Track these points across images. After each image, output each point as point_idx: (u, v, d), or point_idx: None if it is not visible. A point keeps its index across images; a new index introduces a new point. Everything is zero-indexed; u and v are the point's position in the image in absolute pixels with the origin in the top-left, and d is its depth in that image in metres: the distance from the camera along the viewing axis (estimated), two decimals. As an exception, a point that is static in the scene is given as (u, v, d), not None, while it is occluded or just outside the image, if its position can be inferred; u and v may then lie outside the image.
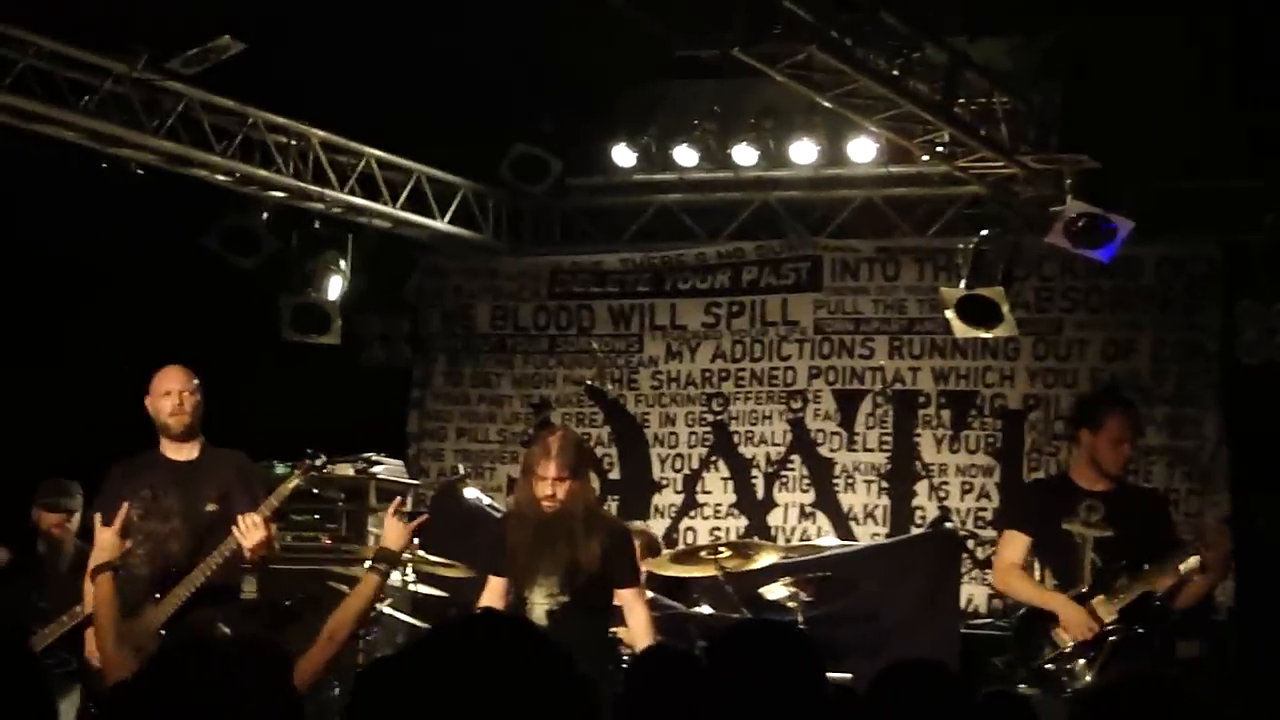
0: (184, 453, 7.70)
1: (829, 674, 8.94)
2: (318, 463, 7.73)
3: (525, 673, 2.45)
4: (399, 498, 6.87)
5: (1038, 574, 8.00)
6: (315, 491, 10.07)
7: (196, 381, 7.75)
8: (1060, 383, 11.06)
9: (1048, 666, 7.76)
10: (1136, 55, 9.91)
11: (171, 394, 7.65)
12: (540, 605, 7.59)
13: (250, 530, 7.29)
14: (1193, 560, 7.68)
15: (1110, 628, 7.68)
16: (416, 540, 7.18)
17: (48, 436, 10.15)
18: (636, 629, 7.71)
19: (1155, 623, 7.73)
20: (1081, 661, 7.72)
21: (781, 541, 11.14)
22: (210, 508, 7.59)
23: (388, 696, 2.48)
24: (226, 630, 6.77)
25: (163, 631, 7.12)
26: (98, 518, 7.44)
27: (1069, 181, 9.75)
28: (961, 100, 9.55)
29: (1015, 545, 8.07)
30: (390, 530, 6.59)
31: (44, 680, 3.73)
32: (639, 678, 4.59)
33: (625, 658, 8.14)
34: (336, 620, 6.11)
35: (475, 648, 2.47)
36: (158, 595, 7.27)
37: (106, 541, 6.65)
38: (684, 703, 4.38)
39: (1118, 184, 9.78)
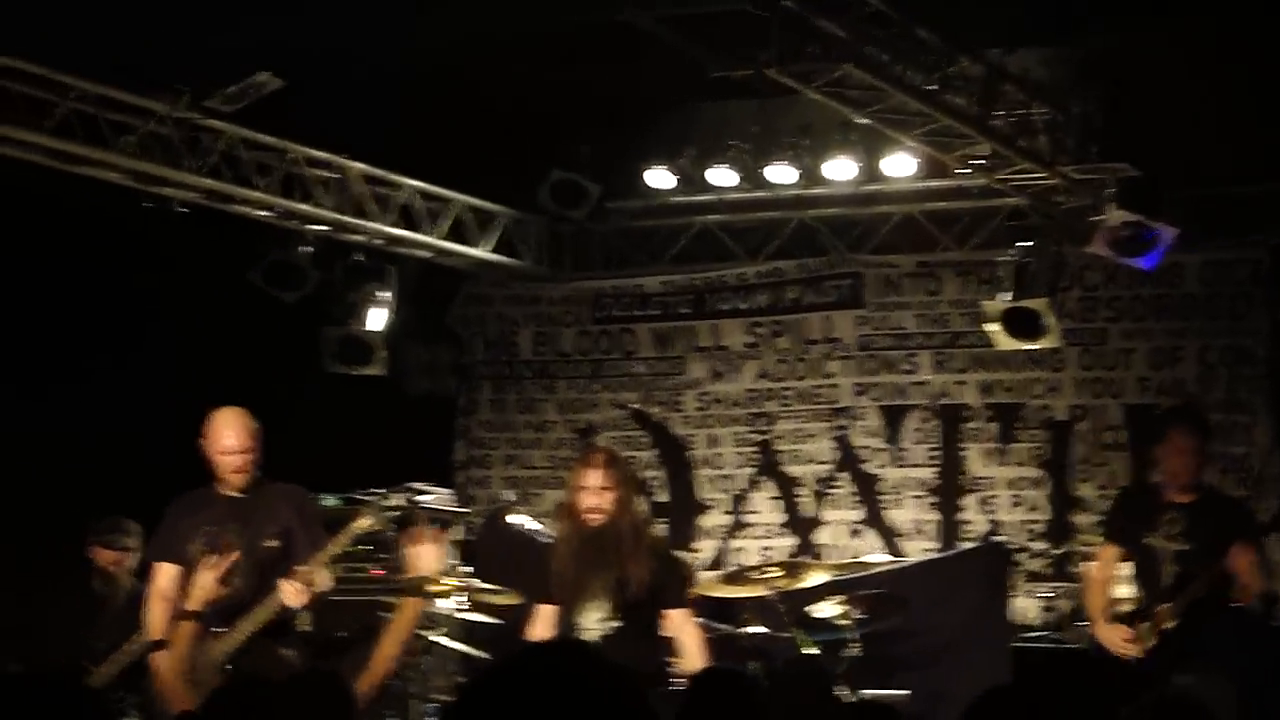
0: (242, 490, 7.70)
1: (882, 691, 9.02)
2: (388, 503, 7.73)
3: (601, 700, 2.45)
4: (419, 527, 6.92)
5: (1124, 590, 8.10)
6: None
7: (254, 427, 7.67)
8: (1107, 392, 11.01)
9: (1124, 675, 7.89)
10: (1175, 61, 9.87)
11: (232, 455, 7.57)
12: (592, 630, 7.57)
13: (295, 595, 7.35)
14: (1218, 569, 7.74)
15: (1171, 633, 7.74)
16: (448, 552, 7.17)
17: (99, 472, 10.18)
18: (688, 651, 7.67)
19: (1211, 627, 7.82)
20: (1150, 668, 7.82)
21: (830, 559, 11.10)
22: (271, 544, 7.59)
23: None
24: (294, 662, 6.86)
25: (228, 666, 7.14)
26: (160, 566, 7.53)
27: (1110, 190, 9.71)
28: (1000, 112, 9.54)
29: (1103, 557, 8.33)
30: (418, 555, 6.64)
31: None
32: (699, 698, 4.58)
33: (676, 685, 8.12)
34: (384, 647, 6.19)
35: (550, 677, 2.47)
36: (221, 630, 7.29)
37: (208, 583, 6.83)
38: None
39: (1159, 191, 9.73)
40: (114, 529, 9.20)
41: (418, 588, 6.56)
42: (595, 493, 7.48)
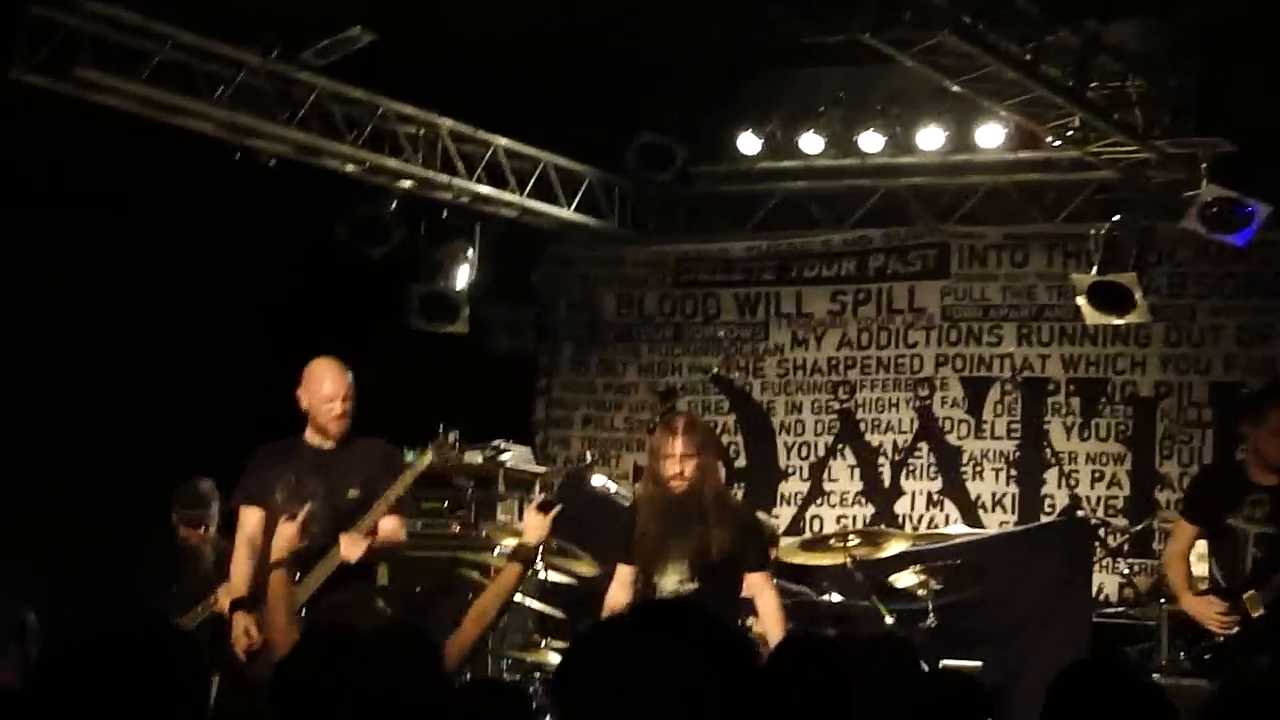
0: (330, 441, 7.74)
1: (957, 661, 9.00)
2: (450, 441, 7.75)
3: (716, 659, 2.45)
4: (541, 491, 6.98)
5: (1206, 564, 7.98)
6: (446, 478, 10.15)
7: (352, 379, 7.74)
8: (1193, 369, 10.91)
9: (1206, 656, 7.76)
10: (1272, 36, 9.73)
11: (334, 400, 7.64)
12: (669, 591, 7.59)
13: (350, 548, 7.38)
14: None
15: (1258, 619, 7.64)
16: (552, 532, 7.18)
17: (188, 430, 10.26)
18: (766, 614, 7.69)
19: None
20: (1233, 650, 7.73)
21: (909, 529, 11.07)
22: (353, 493, 7.63)
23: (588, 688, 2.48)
24: (384, 613, 6.93)
25: (302, 612, 7.20)
26: (248, 509, 7.60)
27: (1204, 165, 9.60)
28: (1093, 84, 9.44)
29: (1181, 535, 8.19)
30: (530, 523, 6.72)
31: (200, 662, 3.79)
32: (784, 663, 4.57)
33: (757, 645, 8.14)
34: (481, 605, 6.26)
35: (667, 633, 2.47)
36: (297, 575, 7.34)
37: (289, 533, 6.92)
38: (828, 689, 4.37)
39: (1254, 167, 9.62)
40: (193, 502, 9.21)
41: (526, 555, 6.60)
42: (678, 460, 7.50)
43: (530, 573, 9.00)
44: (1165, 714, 3.68)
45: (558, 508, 6.86)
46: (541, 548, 7.04)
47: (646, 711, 2.38)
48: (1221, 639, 7.80)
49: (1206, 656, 7.82)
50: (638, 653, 2.44)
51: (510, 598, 6.57)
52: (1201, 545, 8.20)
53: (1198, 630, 7.92)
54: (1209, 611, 7.81)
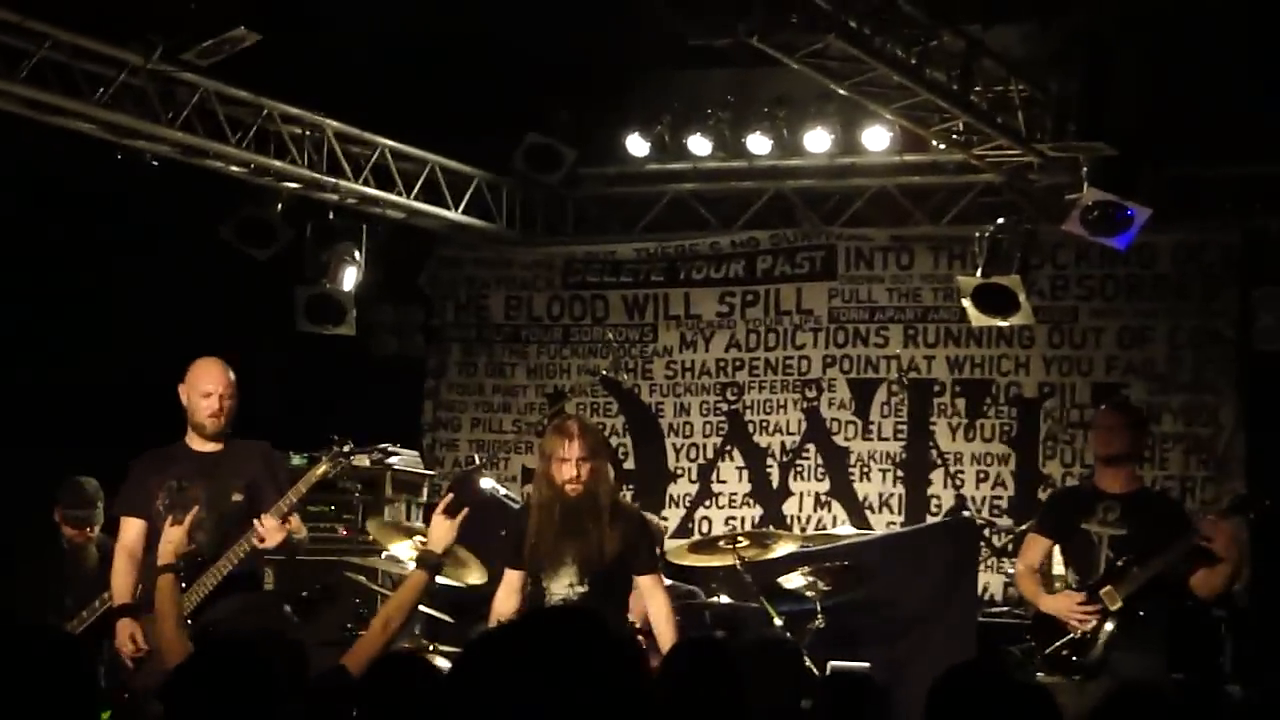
0: (210, 445, 7.69)
1: (846, 663, 9.05)
2: (344, 449, 7.72)
3: (608, 668, 2.44)
4: (448, 497, 6.92)
5: (1062, 570, 8.15)
6: (333, 482, 10.06)
7: (233, 378, 7.70)
8: (1075, 370, 11.05)
9: (1063, 652, 7.92)
10: (1153, 42, 9.88)
11: (211, 396, 7.61)
12: (559, 595, 7.58)
13: (270, 532, 7.31)
14: (1176, 555, 7.78)
15: (1115, 612, 7.83)
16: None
17: (66, 427, 10.12)
18: (657, 617, 7.68)
19: (1158, 605, 7.90)
20: (1090, 644, 7.91)
21: (797, 530, 11.13)
22: (236, 498, 7.59)
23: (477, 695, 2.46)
24: (290, 616, 6.86)
25: (189, 620, 7.12)
26: (128, 520, 7.50)
27: (1085, 169, 9.72)
28: (978, 88, 9.54)
29: (1034, 548, 8.34)
30: (436, 529, 6.65)
31: (91, 671, 3.74)
32: (678, 668, 4.57)
33: (644, 646, 8.14)
34: (388, 611, 6.19)
35: (556, 642, 2.46)
36: (183, 585, 7.25)
37: (175, 536, 6.90)
38: (722, 692, 4.38)
39: (1134, 171, 9.74)
40: (78, 502, 9.08)
41: (432, 561, 6.52)
42: (574, 464, 7.48)
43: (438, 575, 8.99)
44: (1046, 713, 3.71)
45: (464, 512, 6.77)
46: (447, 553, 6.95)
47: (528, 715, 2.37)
48: (1079, 635, 7.92)
49: (1064, 653, 7.94)
50: (527, 662, 2.43)
51: (415, 605, 6.48)
52: (1058, 553, 8.40)
53: (1055, 630, 8.03)
54: (1069, 605, 7.95)
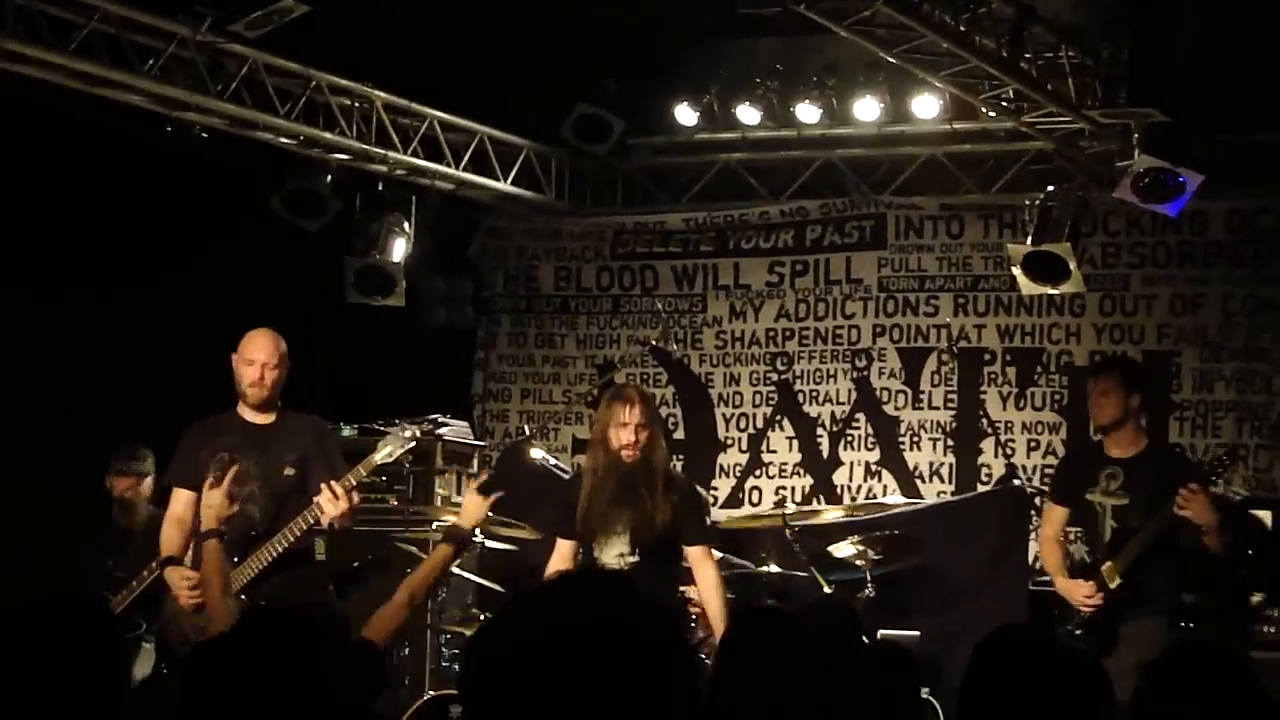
0: (262, 417, 7.67)
1: (896, 631, 9.03)
2: (407, 434, 7.70)
3: (631, 630, 2.43)
4: (485, 472, 6.91)
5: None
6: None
7: (284, 350, 7.68)
8: (1127, 338, 10.98)
9: (1076, 632, 7.99)
10: (1204, 6, 9.80)
11: (255, 364, 7.60)
12: (610, 565, 7.59)
13: (334, 501, 7.24)
14: (1169, 516, 7.77)
15: (1117, 589, 7.86)
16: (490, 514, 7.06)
17: (123, 403, 10.17)
18: (706, 587, 7.70)
19: (1160, 568, 7.93)
20: (1099, 624, 7.95)
21: (847, 500, 11.11)
22: (288, 472, 7.57)
23: (499, 657, 2.46)
24: (331, 594, 6.85)
25: (242, 596, 7.14)
26: (179, 491, 7.53)
27: (1137, 136, 9.65)
28: (1028, 55, 9.47)
29: (1052, 518, 8.42)
30: (468, 505, 6.59)
31: (120, 644, 3.78)
32: (742, 637, 4.57)
33: (695, 616, 8.16)
34: (412, 583, 6.15)
35: (581, 604, 2.44)
36: (235, 559, 7.27)
37: (215, 500, 6.82)
38: (784, 663, 4.37)
39: (1186, 137, 9.68)
40: (127, 456, 9.23)
41: (459, 537, 6.47)
42: (633, 429, 7.50)
43: (466, 551, 9.01)
44: (1090, 679, 3.69)
45: (498, 494, 6.74)
46: (477, 530, 6.91)
47: (553, 682, 2.36)
48: (1086, 615, 8.01)
49: (1077, 631, 7.99)
50: (548, 622, 2.42)
51: (440, 579, 6.44)
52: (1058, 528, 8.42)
53: (1067, 609, 8.14)
54: (1077, 594, 8.04)
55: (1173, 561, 8.01)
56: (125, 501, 9.23)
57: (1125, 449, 8.07)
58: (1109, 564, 7.92)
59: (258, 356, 7.61)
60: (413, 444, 7.88)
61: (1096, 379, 8.38)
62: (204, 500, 6.89)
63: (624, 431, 7.51)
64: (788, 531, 9.13)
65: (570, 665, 2.36)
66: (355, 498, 7.39)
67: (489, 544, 9.20)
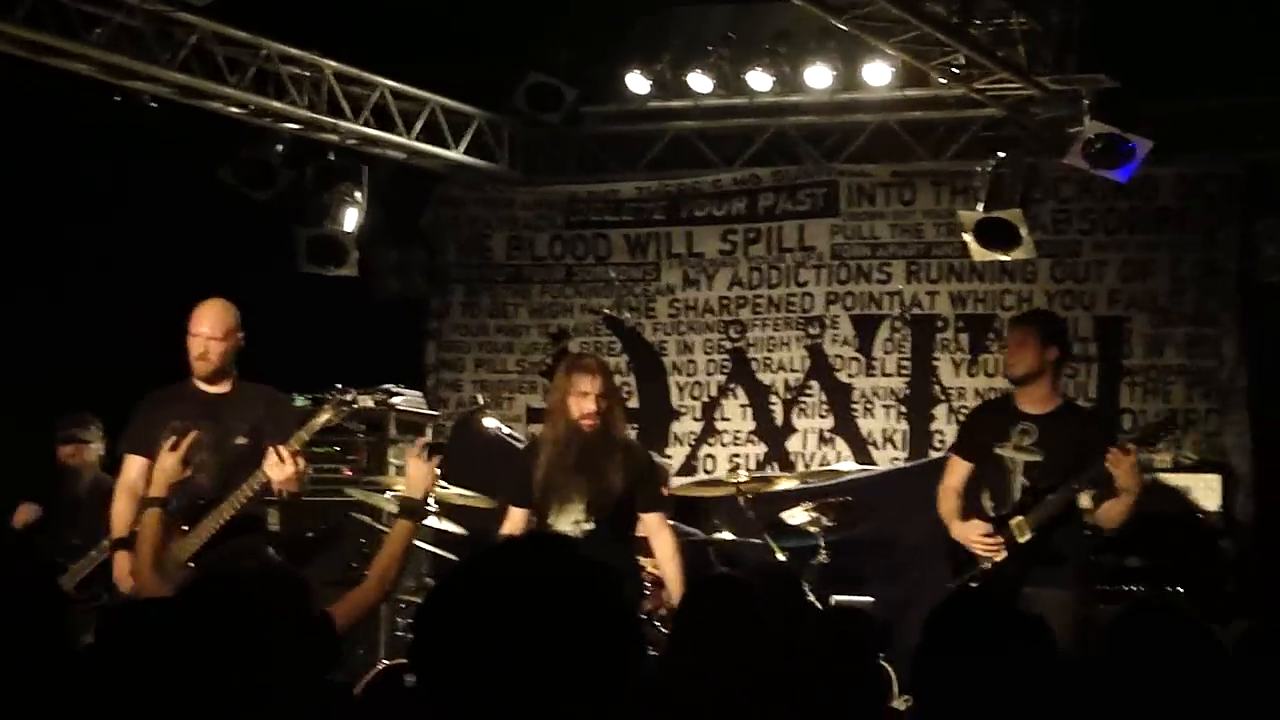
0: (216, 387, 7.63)
1: (849, 597, 9.08)
2: (347, 398, 7.65)
3: (578, 593, 2.45)
4: (420, 440, 6.86)
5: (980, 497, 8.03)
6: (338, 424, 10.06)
7: (232, 322, 7.61)
8: (1078, 304, 11.03)
9: (973, 584, 7.77)
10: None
11: (199, 337, 7.54)
12: (567, 532, 7.60)
13: (279, 465, 7.19)
14: (1086, 482, 7.69)
15: (1025, 544, 7.70)
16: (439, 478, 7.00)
17: (71, 375, 10.11)
18: (663, 555, 7.72)
19: (1071, 535, 7.78)
20: (1000, 578, 7.70)
21: (800, 467, 11.15)
22: (240, 441, 7.54)
23: (448, 624, 2.47)
24: (259, 559, 6.81)
25: (190, 564, 7.12)
26: (131, 458, 7.49)
27: (1087, 102, 9.68)
28: (978, 21, 9.49)
29: (954, 470, 8.15)
30: (412, 474, 6.45)
31: (64, 613, 3.77)
32: (697, 605, 4.58)
33: (648, 585, 8.18)
34: (380, 565, 6.07)
35: (527, 568, 2.46)
36: (185, 527, 7.25)
37: (168, 464, 6.76)
38: (740, 630, 4.38)
39: (1136, 104, 9.71)
40: (71, 423, 9.17)
41: (414, 508, 6.36)
42: (593, 399, 7.50)
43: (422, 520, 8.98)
44: (1039, 639, 3.71)
45: (439, 456, 6.67)
46: (429, 498, 6.82)
47: (502, 644, 2.38)
48: (988, 564, 7.76)
49: (974, 584, 7.74)
50: (495, 586, 2.43)
51: (406, 554, 6.35)
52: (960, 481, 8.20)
53: (967, 560, 7.86)
54: (972, 535, 7.80)
55: (1084, 524, 7.87)
56: (68, 469, 9.17)
57: (1038, 405, 7.85)
58: (1020, 519, 7.69)
59: (201, 330, 7.56)
60: (354, 405, 7.80)
61: (1014, 329, 8.25)
62: (158, 464, 6.86)
63: (585, 401, 7.51)
64: (741, 499, 9.16)
65: (518, 626, 2.38)
66: (302, 463, 7.31)
67: (449, 528, 9.12)
